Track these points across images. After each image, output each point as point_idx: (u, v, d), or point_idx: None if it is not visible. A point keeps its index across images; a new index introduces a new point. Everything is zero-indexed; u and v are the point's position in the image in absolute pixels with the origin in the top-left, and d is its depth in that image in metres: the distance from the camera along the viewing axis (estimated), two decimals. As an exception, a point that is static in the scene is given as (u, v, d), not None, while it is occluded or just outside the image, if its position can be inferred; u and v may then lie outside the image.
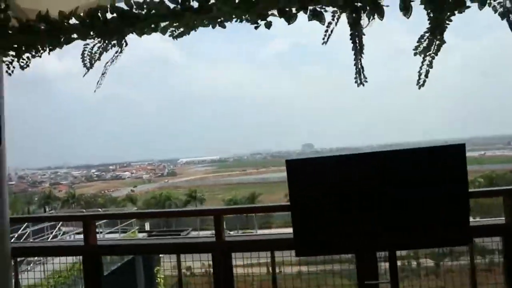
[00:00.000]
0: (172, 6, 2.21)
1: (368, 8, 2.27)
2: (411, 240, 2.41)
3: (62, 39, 2.41)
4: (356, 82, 2.33)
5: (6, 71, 2.48)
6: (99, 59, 2.31)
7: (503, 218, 3.02)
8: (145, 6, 2.27)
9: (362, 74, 2.31)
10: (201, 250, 3.38)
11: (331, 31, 2.33)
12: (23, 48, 2.46)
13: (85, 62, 2.33)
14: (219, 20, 2.28)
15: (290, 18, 2.30)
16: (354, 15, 2.27)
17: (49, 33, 2.37)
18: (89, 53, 2.33)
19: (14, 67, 2.46)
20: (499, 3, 2.42)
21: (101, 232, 12.38)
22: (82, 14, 2.34)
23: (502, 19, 2.49)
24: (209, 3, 2.25)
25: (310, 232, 2.41)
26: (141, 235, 15.34)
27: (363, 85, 2.31)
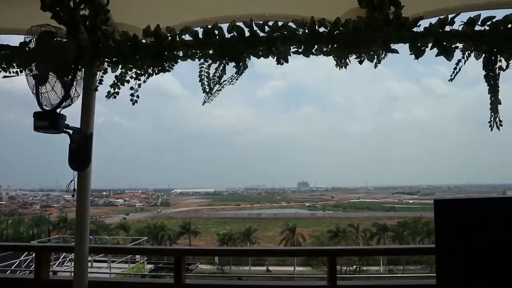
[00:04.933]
0: (300, 30, 2.07)
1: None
2: None
3: (166, 56, 2.24)
4: (490, 125, 2.17)
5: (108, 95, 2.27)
6: (218, 82, 2.13)
7: None
8: (267, 29, 2.13)
9: (497, 117, 2.15)
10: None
11: (459, 69, 2.20)
12: (124, 65, 2.28)
13: (204, 85, 2.14)
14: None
15: (419, 54, 2.16)
16: (492, 57, 2.14)
17: (155, 48, 2.21)
18: (206, 74, 2.14)
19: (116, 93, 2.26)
20: None
21: (106, 261, 11.78)
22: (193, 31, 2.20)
23: None
24: (336, 33, 2.13)
25: (457, 278, 2.15)
26: (149, 267, 14.68)
27: (498, 129, 2.15)
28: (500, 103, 2.14)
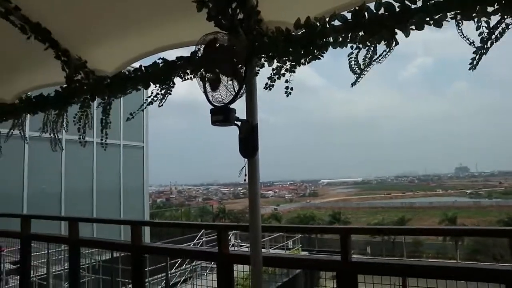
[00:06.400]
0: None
1: None
2: None
3: (317, 45, 2.34)
4: None
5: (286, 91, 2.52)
6: (370, 64, 2.15)
7: None
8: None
9: None
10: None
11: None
12: (279, 59, 2.47)
13: (354, 70, 2.20)
14: None
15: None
16: None
17: (308, 39, 2.33)
18: (355, 61, 2.19)
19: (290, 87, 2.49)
20: None
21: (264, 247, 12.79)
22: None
23: None
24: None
25: None
26: (303, 253, 15.44)
27: None
28: None
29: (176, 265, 11.68)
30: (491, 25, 1.87)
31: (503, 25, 1.84)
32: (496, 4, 1.86)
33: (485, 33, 1.87)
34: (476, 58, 1.90)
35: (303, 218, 49.41)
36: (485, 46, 1.88)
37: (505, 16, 1.90)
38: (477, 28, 1.89)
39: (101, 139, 3.61)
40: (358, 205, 77.88)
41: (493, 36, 1.85)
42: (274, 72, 2.48)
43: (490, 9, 1.87)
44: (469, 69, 1.93)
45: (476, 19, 1.90)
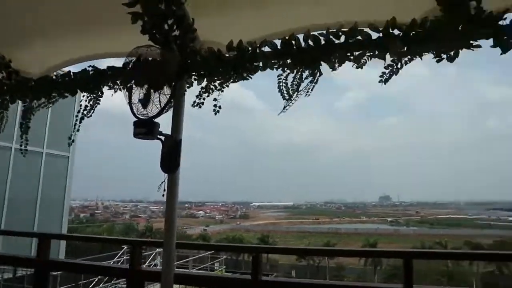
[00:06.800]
0: (375, 35, 2.12)
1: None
2: None
3: (247, 68, 2.42)
4: None
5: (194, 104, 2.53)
6: (297, 90, 2.25)
7: None
8: (341, 35, 2.20)
9: None
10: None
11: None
12: (209, 78, 2.51)
13: (283, 93, 2.28)
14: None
15: (508, 47, 2.08)
16: None
17: (239, 61, 2.39)
18: (284, 84, 2.29)
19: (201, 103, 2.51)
20: None
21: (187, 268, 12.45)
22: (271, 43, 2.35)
23: None
24: (411, 34, 2.13)
25: None
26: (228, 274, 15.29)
27: None
28: None
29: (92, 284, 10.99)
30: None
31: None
32: (406, 47, 2.07)
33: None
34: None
35: (232, 240, 49.14)
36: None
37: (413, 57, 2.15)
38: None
39: (20, 145, 3.39)
40: (288, 229, 79.24)
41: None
42: (203, 90, 2.50)
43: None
44: (379, 82, 2.14)
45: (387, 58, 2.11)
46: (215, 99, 2.47)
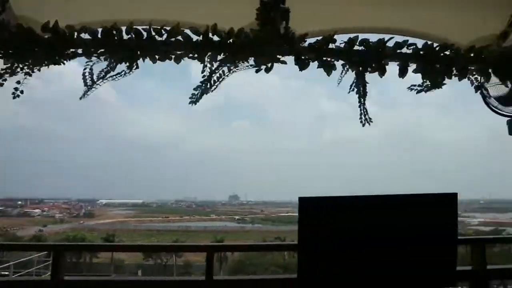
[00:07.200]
0: (195, 38, 2.23)
1: (373, 65, 2.48)
2: (405, 282, 2.49)
3: (63, 53, 2.28)
4: (361, 121, 2.50)
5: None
6: (104, 77, 2.20)
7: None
8: (164, 33, 2.25)
9: (366, 115, 2.50)
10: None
11: (340, 81, 2.50)
12: (18, 58, 2.27)
13: (86, 80, 2.20)
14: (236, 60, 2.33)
15: (303, 66, 2.42)
16: (361, 68, 2.47)
17: (54, 45, 2.24)
18: (90, 70, 2.22)
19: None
20: (475, 78, 2.79)
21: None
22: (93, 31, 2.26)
23: (476, 91, 2.86)
24: (228, 42, 2.31)
25: (316, 272, 2.37)
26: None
27: (369, 124, 2.50)
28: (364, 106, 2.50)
29: None
30: (213, 69, 2.22)
31: (221, 72, 2.22)
32: (222, 54, 2.24)
33: (206, 76, 2.21)
34: (198, 95, 2.22)
35: (72, 240, 44.92)
36: (206, 86, 2.21)
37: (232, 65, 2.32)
38: (202, 71, 2.22)
39: None
40: (136, 227, 76.36)
41: (212, 80, 2.21)
42: (6, 70, 2.25)
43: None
44: (189, 103, 2.23)
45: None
46: (18, 82, 2.24)
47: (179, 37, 2.22)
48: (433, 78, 2.56)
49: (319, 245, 2.38)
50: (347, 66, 2.46)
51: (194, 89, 2.21)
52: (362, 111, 2.53)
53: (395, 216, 2.50)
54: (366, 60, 2.45)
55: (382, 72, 2.53)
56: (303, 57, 2.39)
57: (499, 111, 2.84)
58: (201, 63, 2.24)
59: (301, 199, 2.37)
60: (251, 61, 2.44)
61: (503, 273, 3.51)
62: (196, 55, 2.25)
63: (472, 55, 2.78)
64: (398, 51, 2.58)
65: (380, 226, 2.44)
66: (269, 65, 2.47)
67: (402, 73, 2.60)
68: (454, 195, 2.53)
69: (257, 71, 2.49)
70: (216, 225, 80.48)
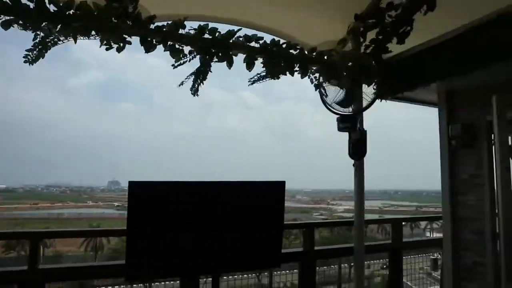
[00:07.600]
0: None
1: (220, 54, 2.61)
2: (233, 265, 2.66)
3: None
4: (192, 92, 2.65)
5: None
6: None
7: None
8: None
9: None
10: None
11: (183, 62, 2.55)
12: None
13: None
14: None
15: (149, 48, 2.42)
16: (208, 56, 2.57)
17: None
18: None
19: None
20: (315, 77, 3.11)
21: None
22: None
23: (315, 89, 3.18)
24: (67, 13, 2.20)
25: (143, 256, 2.39)
26: None
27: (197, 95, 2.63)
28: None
29: None
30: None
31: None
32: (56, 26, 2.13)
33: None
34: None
35: None
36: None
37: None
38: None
39: None
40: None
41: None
42: None
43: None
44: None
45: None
46: None
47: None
48: (274, 72, 2.78)
49: (148, 230, 2.42)
50: (195, 53, 2.53)
51: (28, 50, 2.10)
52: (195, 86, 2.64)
53: (226, 202, 2.66)
54: (214, 48, 2.55)
55: (229, 62, 2.66)
56: (149, 39, 2.39)
57: (332, 109, 3.20)
58: (32, 32, 2.09)
59: (131, 183, 2.38)
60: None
61: (325, 253, 4.03)
62: (28, 24, 2.08)
63: (313, 55, 3.09)
64: (248, 44, 2.74)
65: (212, 211, 2.58)
66: (121, 44, 2.42)
67: (249, 66, 2.77)
68: (282, 183, 2.79)
69: (107, 49, 2.42)
70: (93, 212, 75.70)
